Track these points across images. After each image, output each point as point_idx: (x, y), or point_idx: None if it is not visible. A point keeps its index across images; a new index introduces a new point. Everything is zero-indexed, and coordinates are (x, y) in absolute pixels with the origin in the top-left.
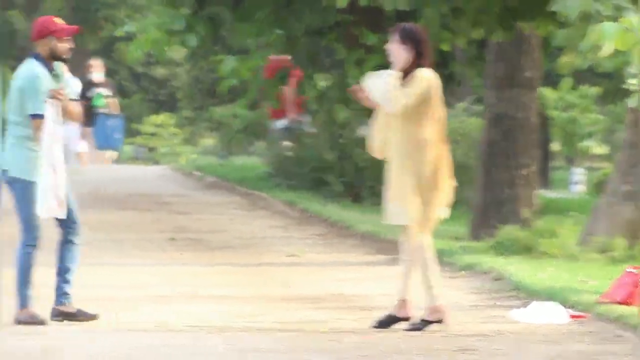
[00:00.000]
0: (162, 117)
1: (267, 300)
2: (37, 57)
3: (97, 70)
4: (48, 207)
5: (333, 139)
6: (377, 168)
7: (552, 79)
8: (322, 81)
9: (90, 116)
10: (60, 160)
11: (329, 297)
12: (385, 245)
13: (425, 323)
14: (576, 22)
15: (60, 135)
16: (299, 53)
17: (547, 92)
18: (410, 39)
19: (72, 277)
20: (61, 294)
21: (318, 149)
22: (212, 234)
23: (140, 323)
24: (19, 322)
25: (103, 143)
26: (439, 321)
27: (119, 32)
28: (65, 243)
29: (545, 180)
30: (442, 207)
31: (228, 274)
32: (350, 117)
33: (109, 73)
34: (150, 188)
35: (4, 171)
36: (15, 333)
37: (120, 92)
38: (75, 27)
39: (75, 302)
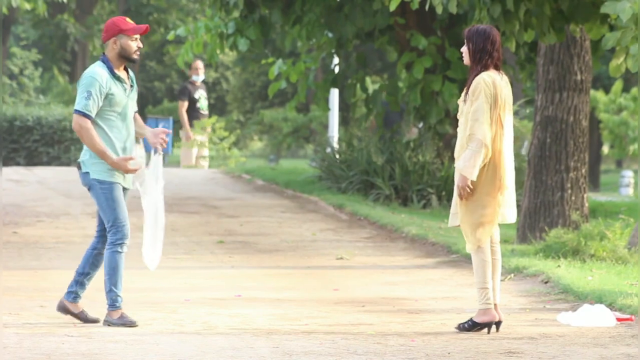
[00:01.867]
0: (212, 120)
1: (315, 303)
2: (104, 59)
3: (200, 73)
4: (153, 260)
5: (382, 142)
6: (425, 171)
7: (602, 82)
8: (372, 84)
9: (194, 116)
10: (162, 211)
11: (378, 300)
12: (434, 248)
13: (473, 324)
14: (628, 24)
15: (162, 187)
16: (349, 56)
17: (598, 95)
18: (469, 40)
19: (88, 281)
20: (71, 292)
21: (367, 152)
22: (261, 237)
23: (187, 325)
24: (109, 324)
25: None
26: (487, 325)
27: (170, 36)
28: (94, 249)
29: (595, 183)
30: (505, 210)
31: (276, 277)
32: (399, 120)
33: (160, 77)
34: (199, 191)
35: (85, 174)
36: (59, 335)
37: (171, 95)
38: (144, 25)
39: (125, 305)
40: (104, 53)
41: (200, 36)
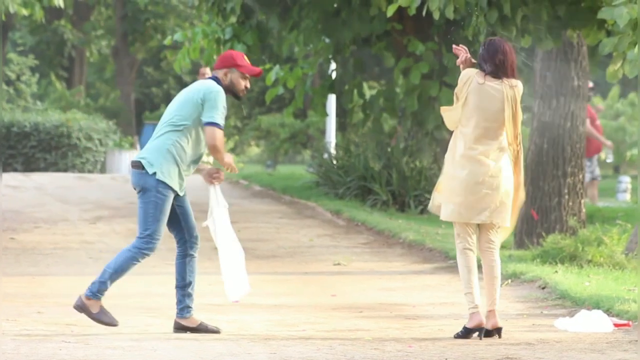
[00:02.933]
0: None
1: (313, 308)
2: (218, 80)
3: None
4: (238, 290)
5: (379, 147)
6: (422, 177)
7: (600, 88)
8: (369, 90)
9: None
10: (234, 238)
11: (375, 305)
12: (432, 254)
13: (466, 331)
14: (625, 30)
15: (226, 215)
16: (346, 61)
17: (595, 101)
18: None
19: (193, 290)
20: (183, 308)
21: (364, 158)
22: (259, 243)
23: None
24: (83, 311)
25: None
26: (476, 329)
27: (168, 41)
28: (185, 257)
29: None
30: (478, 212)
31: (274, 283)
32: (397, 126)
33: (157, 83)
34: (196, 197)
35: (152, 174)
36: (56, 341)
37: (168, 100)
38: (259, 69)
39: (122, 311)
40: (216, 76)
41: (198, 42)
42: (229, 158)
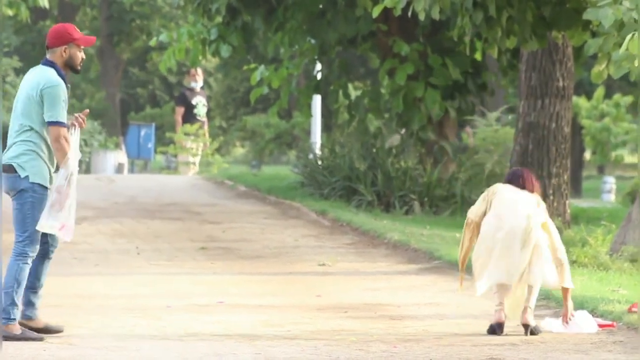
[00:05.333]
0: (195, 127)
1: (298, 309)
2: (53, 65)
3: (198, 80)
4: (50, 225)
5: (364, 148)
6: (407, 177)
7: (585, 88)
8: (354, 90)
9: (190, 122)
10: (75, 184)
11: (360, 306)
12: (416, 254)
13: (490, 327)
14: (610, 31)
15: (77, 160)
16: (331, 62)
17: (580, 102)
18: None
19: (42, 291)
20: (31, 310)
21: (349, 159)
22: (243, 243)
23: (169, 331)
24: (8, 338)
25: (135, 152)
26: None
27: (153, 42)
28: (44, 259)
29: (577, 189)
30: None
31: (259, 283)
32: (382, 126)
33: (142, 83)
34: (181, 197)
35: (25, 177)
36: (34, 341)
37: (153, 101)
38: (93, 37)
39: (107, 312)
40: (48, 59)
41: (183, 42)
42: (68, 157)
